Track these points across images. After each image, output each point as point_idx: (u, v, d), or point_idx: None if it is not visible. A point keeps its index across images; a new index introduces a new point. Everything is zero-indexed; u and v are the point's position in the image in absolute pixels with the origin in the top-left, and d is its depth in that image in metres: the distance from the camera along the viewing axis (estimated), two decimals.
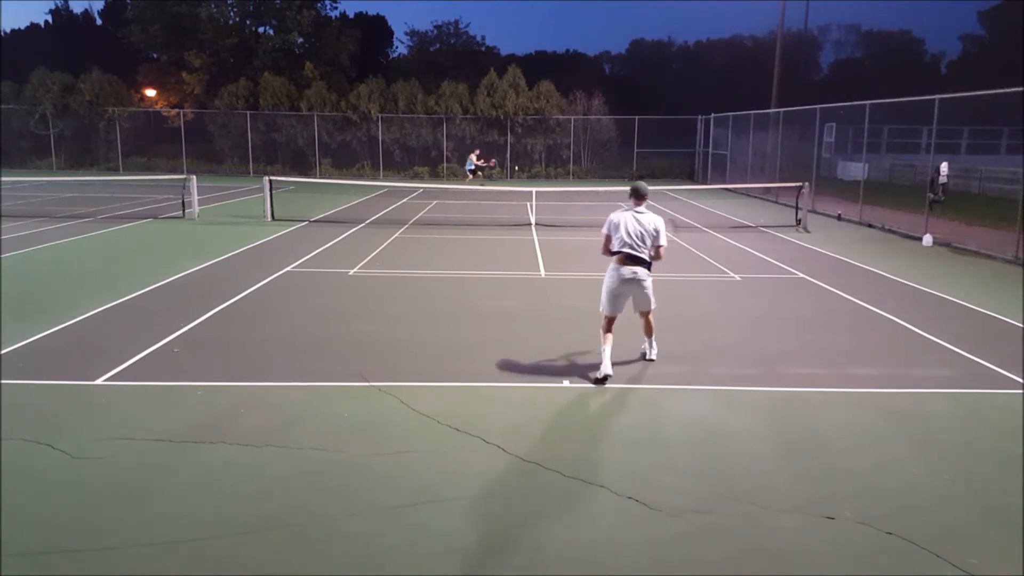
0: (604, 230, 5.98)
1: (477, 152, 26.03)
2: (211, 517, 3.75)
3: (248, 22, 37.37)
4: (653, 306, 6.14)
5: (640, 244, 5.83)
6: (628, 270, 5.85)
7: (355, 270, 10.37)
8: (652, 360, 6.30)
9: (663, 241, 5.92)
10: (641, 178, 31.13)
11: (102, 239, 13.06)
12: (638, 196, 5.95)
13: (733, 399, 5.54)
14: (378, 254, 11.73)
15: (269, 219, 15.59)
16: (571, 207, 19.58)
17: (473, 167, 25.23)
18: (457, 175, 31.32)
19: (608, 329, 5.98)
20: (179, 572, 3.31)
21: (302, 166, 31.64)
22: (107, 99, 31.64)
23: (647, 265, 5.91)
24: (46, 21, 52.56)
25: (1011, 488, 4.17)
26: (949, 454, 4.64)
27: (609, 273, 5.99)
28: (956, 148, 29.93)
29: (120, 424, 4.88)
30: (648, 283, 5.96)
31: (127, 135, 32.33)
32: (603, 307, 6.03)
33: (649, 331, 6.29)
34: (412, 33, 50.48)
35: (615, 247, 5.91)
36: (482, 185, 24.11)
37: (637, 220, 5.86)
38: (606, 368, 5.79)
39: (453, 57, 45.86)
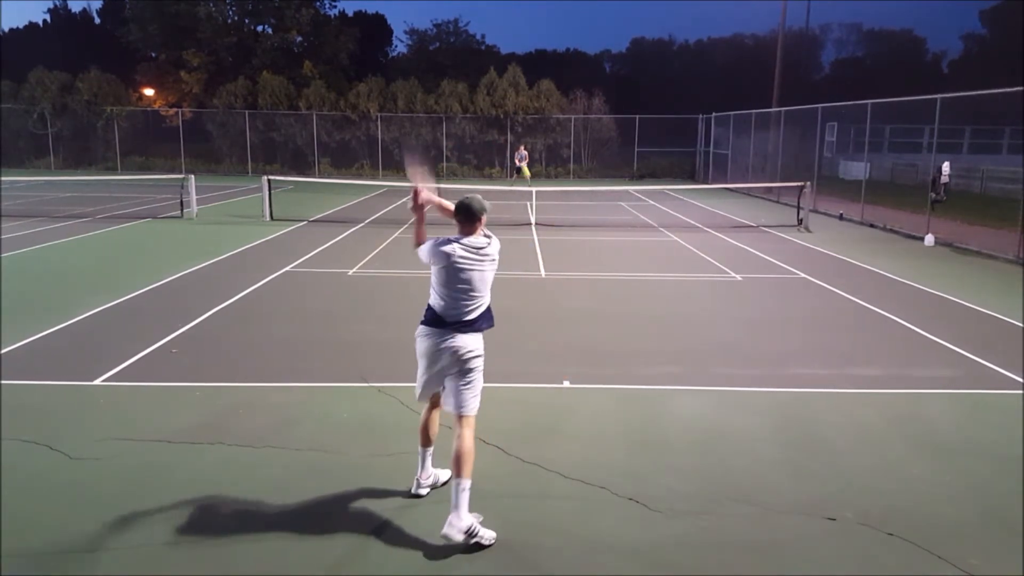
0: (425, 257, 3.67)
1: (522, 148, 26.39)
2: (209, 518, 3.73)
3: (247, 21, 37.33)
4: (473, 410, 3.68)
5: (468, 299, 3.62)
6: (439, 336, 3.63)
7: (354, 270, 10.35)
8: (449, 536, 3.43)
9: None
10: (642, 177, 31.30)
11: (100, 239, 13.04)
12: (469, 217, 3.66)
13: (734, 399, 5.52)
14: (377, 254, 11.71)
15: (268, 219, 15.57)
16: (571, 207, 19.56)
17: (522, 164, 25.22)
18: (457, 174, 31.32)
19: (425, 426, 3.91)
20: (178, 572, 3.30)
21: (301, 165, 31.63)
22: (105, 98, 31.64)
23: (473, 330, 3.66)
24: (44, 20, 52.58)
25: (1011, 488, 4.16)
26: (950, 454, 4.62)
27: (419, 334, 3.72)
28: (958, 148, 29.94)
29: (118, 425, 4.86)
30: (473, 364, 3.68)
31: (125, 134, 32.32)
32: (417, 390, 3.84)
33: (459, 463, 3.52)
34: (411, 32, 50.28)
35: (430, 299, 3.68)
36: (527, 185, 23.72)
37: (475, 258, 3.61)
38: (416, 483, 3.94)
39: (453, 56, 45.78)
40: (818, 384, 5.88)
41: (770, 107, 24.39)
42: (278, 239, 13.14)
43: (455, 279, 3.59)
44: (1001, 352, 6.70)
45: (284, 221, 15.40)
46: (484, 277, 3.66)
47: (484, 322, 3.73)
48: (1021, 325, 7.71)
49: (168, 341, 6.71)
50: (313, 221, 15.70)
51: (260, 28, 37.61)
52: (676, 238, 13.90)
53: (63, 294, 8.64)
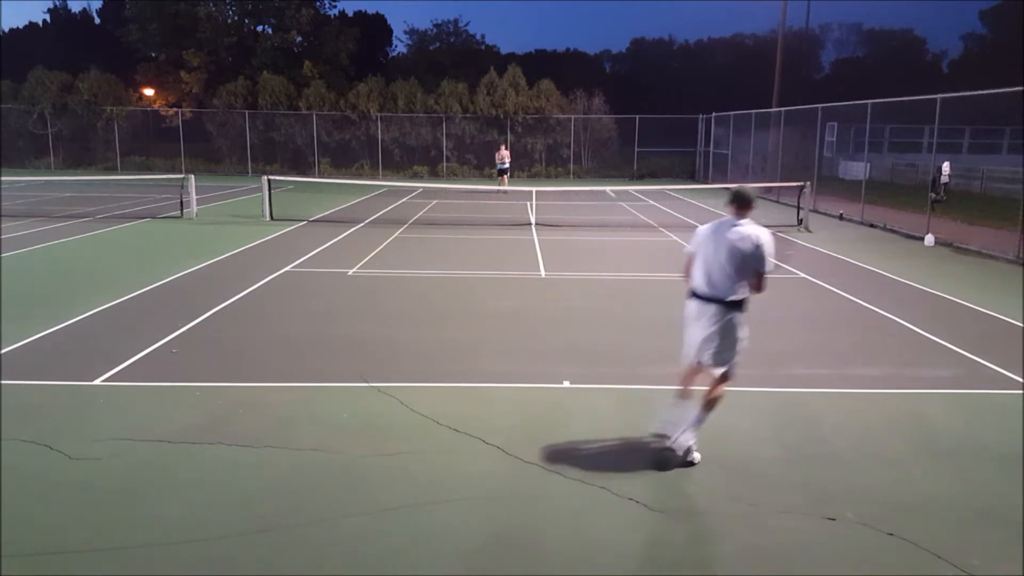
0: (689, 247, 4.53)
1: (504, 148, 24.09)
2: (209, 518, 3.74)
3: (247, 21, 37.34)
4: (726, 366, 4.40)
5: (723, 275, 4.26)
6: (698, 307, 4.39)
7: (354, 270, 10.35)
8: (692, 463, 4.38)
9: (766, 267, 4.24)
10: (642, 177, 31.28)
11: (100, 239, 13.04)
12: (738, 204, 4.35)
13: (733, 399, 5.49)
14: (377, 254, 11.71)
15: (268, 219, 15.57)
16: (571, 207, 19.56)
17: (507, 167, 23.17)
18: (457, 174, 31.31)
19: (686, 380, 4.57)
20: (177, 573, 3.30)
21: (301, 165, 31.63)
22: (105, 98, 31.62)
23: (730, 304, 4.29)
24: (44, 20, 52.56)
25: (1011, 488, 4.16)
26: (950, 454, 4.62)
27: (686, 306, 4.53)
28: (958, 148, 29.92)
29: (118, 425, 4.86)
30: (721, 328, 4.30)
31: (125, 134, 32.32)
32: (684, 351, 4.57)
33: (706, 399, 4.45)
34: (411, 32, 50.49)
35: (692, 278, 4.45)
36: (503, 187, 22.13)
37: (721, 238, 4.29)
38: (672, 432, 4.41)
39: (453, 56, 45.83)
40: (818, 384, 5.88)
41: (770, 107, 24.40)
42: (278, 239, 13.14)
43: (704, 253, 4.36)
44: (1001, 352, 6.69)
45: (284, 221, 15.40)
46: (729, 254, 4.23)
47: (735, 305, 4.32)
48: (1021, 325, 7.71)
49: (168, 341, 6.71)
50: (313, 221, 15.70)
51: (260, 28, 37.62)
52: (676, 238, 13.90)
53: (63, 294, 8.64)
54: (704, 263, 4.34)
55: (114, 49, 38.97)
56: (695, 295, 4.41)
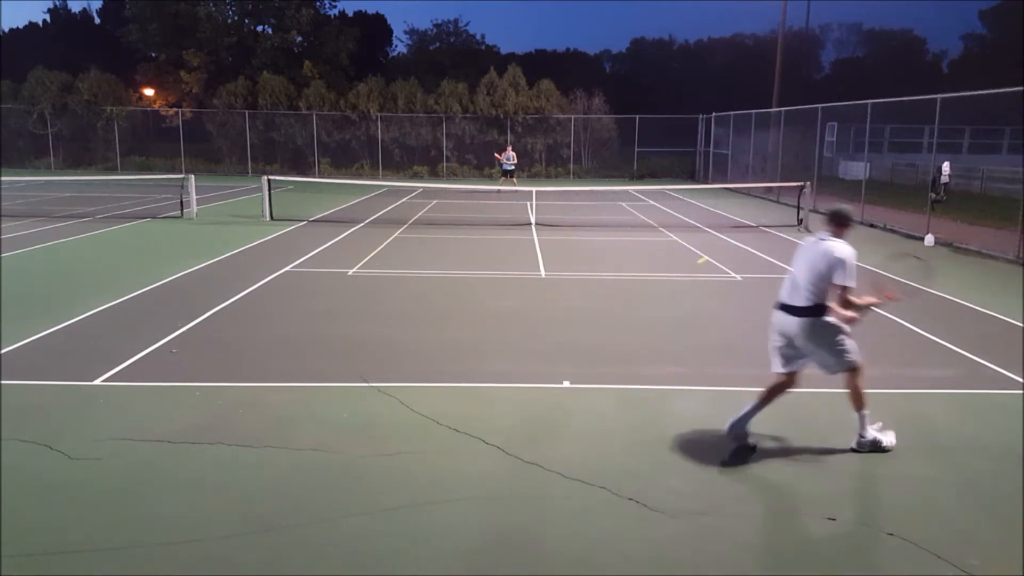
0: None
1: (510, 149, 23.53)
2: (209, 518, 3.74)
3: (247, 21, 37.34)
4: (845, 367, 4.53)
5: (796, 285, 4.47)
6: (778, 318, 4.58)
7: (354, 270, 10.35)
8: (887, 449, 4.59)
9: (841, 279, 4.28)
10: (642, 177, 31.27)
11: (100, 239, 13.05)
12: (835, 222, 4.50)
13: (734, 399, 5.51)
14: (377, 254, 11.71)
15: (268, 219, 15.57)
16: (571, 207, 19.56)
17: (511, 168, 22.56)
18: (457, 174, 31.30)
19: (771, 386, 4.67)
20: (177, 573, 3.30)
21: (301, 165, 31.63)
22: (105, 98, 31.62)
23: (802, 312, 4.41)
24: (44, 20, 52.55)
25: (1011, 488, 4.16)
26: (950, 454, 4.62)
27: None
28: (958, 148, 29.91)
29: (118, 425, 4.86)
30: (808, 337, 4.44)
31: (125, 134, 32.31)
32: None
33: (852, 399, 4.63)
34: (411, 32, 50.56)
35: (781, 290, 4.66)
36: (515, 187, 21.86)
37: (806, 252, 4.49)
38: (735, 431, 4.63)
39: (453, 56, 45.86)
40: (818, 384, 5.84)
41: (770, 107, 24.39)
42: (278, 239, 13.14)
43: (793, 266, 4.56)
44: (1001, 352, 6.70)
45: (284, 221, 15.40)
46: (807, 266, 4.38)
47: (808, 313, 4.40)
48: (1021, 325, 7.71)
49: (168, 341, 6.71)
50: (313, 221, 15.70)
51: (260, 28, 37.62)
52: (676, 238, 13.90)
53: (63, 294, 8.64)
54: (790, 276, 4.56)
55: (114, 49, 38.99)
56: (778, 306, 4.60)
